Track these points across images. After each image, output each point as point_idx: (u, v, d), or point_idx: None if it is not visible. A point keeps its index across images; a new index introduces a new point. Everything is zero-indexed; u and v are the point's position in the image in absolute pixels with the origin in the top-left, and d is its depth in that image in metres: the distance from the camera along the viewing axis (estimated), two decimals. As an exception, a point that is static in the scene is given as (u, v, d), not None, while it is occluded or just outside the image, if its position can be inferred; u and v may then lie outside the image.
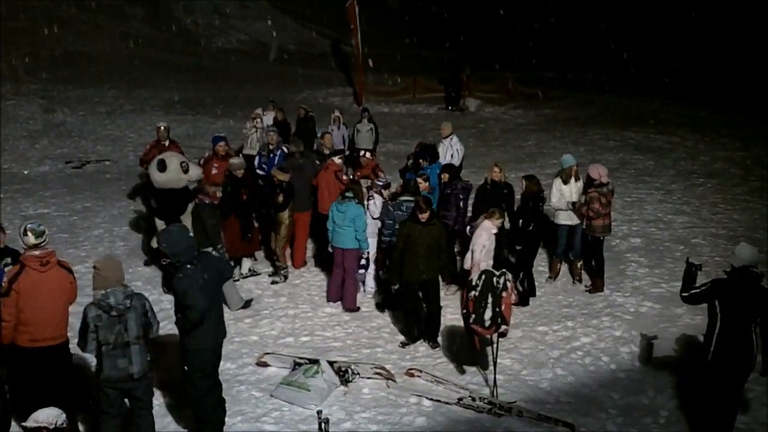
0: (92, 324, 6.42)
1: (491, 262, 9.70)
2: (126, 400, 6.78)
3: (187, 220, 10.45)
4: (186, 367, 6.97)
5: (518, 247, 10.62)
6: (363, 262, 10.57)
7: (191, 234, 7.07)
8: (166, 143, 13.17)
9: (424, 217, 9.18)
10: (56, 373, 6.96)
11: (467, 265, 9.83)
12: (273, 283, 11.36)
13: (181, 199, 11.00)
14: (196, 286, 6.69)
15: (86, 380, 7.69)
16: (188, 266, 6.76)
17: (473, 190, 11.56)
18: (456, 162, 13.32)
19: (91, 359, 7.72)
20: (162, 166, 11.00)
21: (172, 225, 7.36)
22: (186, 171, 11.12)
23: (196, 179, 11.33)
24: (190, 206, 10.74)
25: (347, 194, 10.41)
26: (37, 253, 6.78)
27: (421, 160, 12.58)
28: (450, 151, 13.35)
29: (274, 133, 14.00)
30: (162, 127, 13.49)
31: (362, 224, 10.30)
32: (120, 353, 6.48)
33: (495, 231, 9.79)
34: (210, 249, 9.68)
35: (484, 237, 9.71)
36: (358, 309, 10.53)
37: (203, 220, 10.08)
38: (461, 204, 11.06)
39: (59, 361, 6.99)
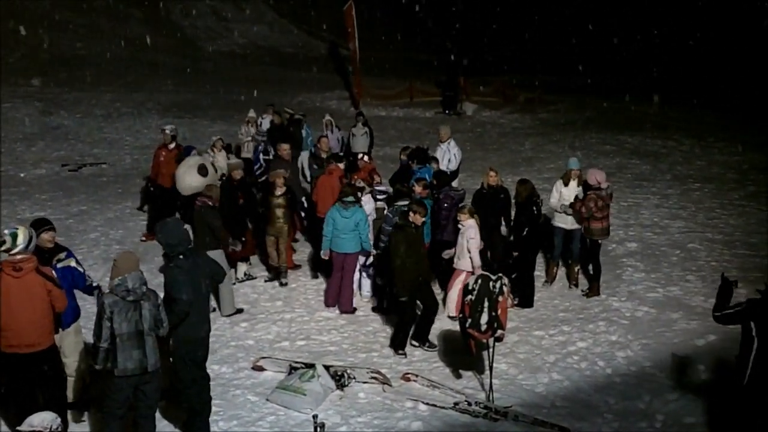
0: (108, 311, 6.41)
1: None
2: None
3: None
4: (171, 358, 7.10)
5: (515, 254, 10.65)
6: (367, 261, 10.60)
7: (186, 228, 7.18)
8: (171, 146, 13.15)
9: (420, 220, 9.21)
10: (40, 380, 6.91)
11: (467, 267, 9.86)
12: (283, 284, 11.34)
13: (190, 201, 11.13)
14: (185, 278, 6.91)
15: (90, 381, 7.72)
16: (181, 257, 7.00)
17: (467, 196, 11.57)
18: (453, 166, 13.32)
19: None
20: (204, 171, 11.57)
21: (168, 218, 7.49)
22: (204, 176, 11.66)
23: (213, 183, 11.51)
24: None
25: (348, 199, 10.31)
26: (17, 258, 6.76)
27: (410, 162, 12.60)
28: (448, 155, 13.32)
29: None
30: (167, 131, 13.48)
31: (366, 227, 10.34)
32: (135, 344, 6.48)
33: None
34: (220, 251, 9.92)
35: (473, 234, 9.82)
36: (354, 311, 10.53)
37: (209, 223, 10.14)
38: (442, 213, 10.89)
39: (41, 368, 6.90)
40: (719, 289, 7.07)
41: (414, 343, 9.46)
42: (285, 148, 12.75)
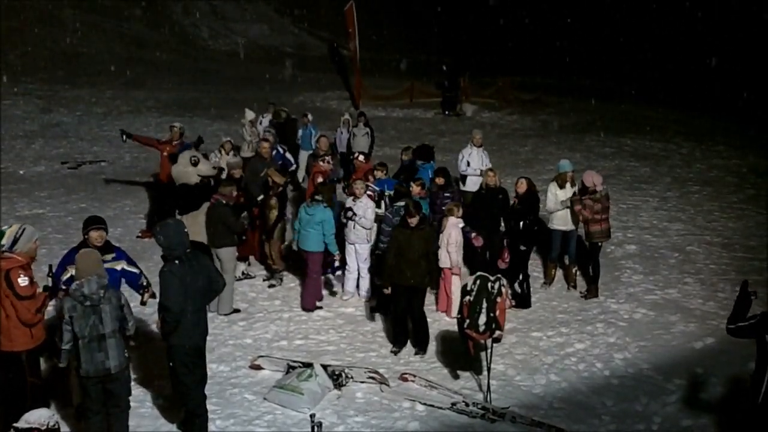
0: (67, 315, 6.47)
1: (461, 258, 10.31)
2: None
3: (200, 216, 10.54)
4: (170, 363, 7.05)
5: (523, 247, 10.65)
6: (337, 264, 10.66)
7: (186, 230, 7.09)
8: (175, 143, 13.38)
9: (413, 221, 9.23)
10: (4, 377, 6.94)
11: (445, 264, 10.10)
12: (270, 286, 11.35)
13: (194, 195, 11.14)
14: (176, 285, 6.77)
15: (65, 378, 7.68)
16: (176, 262, 6.86)
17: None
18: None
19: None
20: (173, 160, 12.05)
21: (169, 219, 7.41)
22: (195, 164, 11.75)
23: (207, 174, 11.76)
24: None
25: (316, 197, 10.54)
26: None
27: (415, 159, 12.60)
28: (485, 159, 13.23)
29: (271, 135, 14.16)
30: (176, 127, 13.73)
31: (330, 227, 10.36)
32: (96, 347, 6.50)
33: (462, 225, 10.18)
34: (233, 248, 10.18)
35: (455, 234, 10.06)
36: (315, 309, 10.54)
37: (224, 221, 10.21)
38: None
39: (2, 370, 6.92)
40: (737, 299, 6.59)
41: (415, 350, 9.49)
42: (265, 147, 12.72)
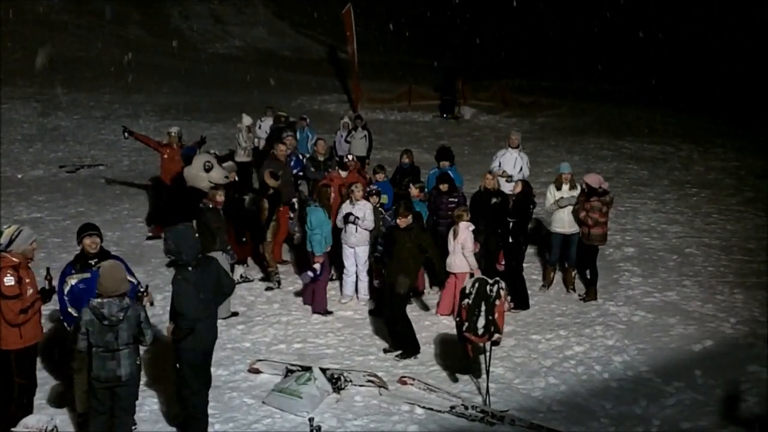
0: (84, 327, 6.51)
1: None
2: None
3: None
4: (178, 365, 7.05)
5: (511, 240, 10.66)
6: (316, 266, 10.47)
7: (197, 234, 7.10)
8: (174, 146, 13.44)
9: (401, 222, 9.28)
10: None
11: (462, 269, 10.03)
12: (267, 289, 11.34)
13: (199, 199, 11.15)
14: (191, 292, 6.82)
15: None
16: (189, 268, 6.89)
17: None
18: (527, 173, 12.88)
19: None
20: (188, 161, 11.87)
21: (180, 224, 7.38)
22: (208, 170, 11.57)
23: (218, 182, 11.36)
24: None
25: (315, 202, 10.73)
26: None
27: (441, 162, 12.57)
28: (520, 162, 12.79)
29: (292, 138, 14.04)
30: (172, 133, 13.70)
31: (328, 228, 10.48)
32: (109, 356, 6.55)
33: (473, 227, 10.17)
34: (220, 252, 9.92)
35: (471, 238, 10.06)
36: (329, 312, 10.54)
37: (207, 224, 10.16)
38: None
39: None
40: None
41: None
42: (282, 149, 12.69)
